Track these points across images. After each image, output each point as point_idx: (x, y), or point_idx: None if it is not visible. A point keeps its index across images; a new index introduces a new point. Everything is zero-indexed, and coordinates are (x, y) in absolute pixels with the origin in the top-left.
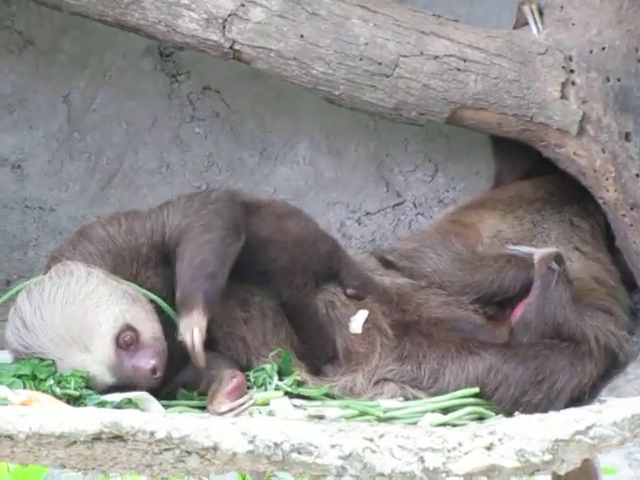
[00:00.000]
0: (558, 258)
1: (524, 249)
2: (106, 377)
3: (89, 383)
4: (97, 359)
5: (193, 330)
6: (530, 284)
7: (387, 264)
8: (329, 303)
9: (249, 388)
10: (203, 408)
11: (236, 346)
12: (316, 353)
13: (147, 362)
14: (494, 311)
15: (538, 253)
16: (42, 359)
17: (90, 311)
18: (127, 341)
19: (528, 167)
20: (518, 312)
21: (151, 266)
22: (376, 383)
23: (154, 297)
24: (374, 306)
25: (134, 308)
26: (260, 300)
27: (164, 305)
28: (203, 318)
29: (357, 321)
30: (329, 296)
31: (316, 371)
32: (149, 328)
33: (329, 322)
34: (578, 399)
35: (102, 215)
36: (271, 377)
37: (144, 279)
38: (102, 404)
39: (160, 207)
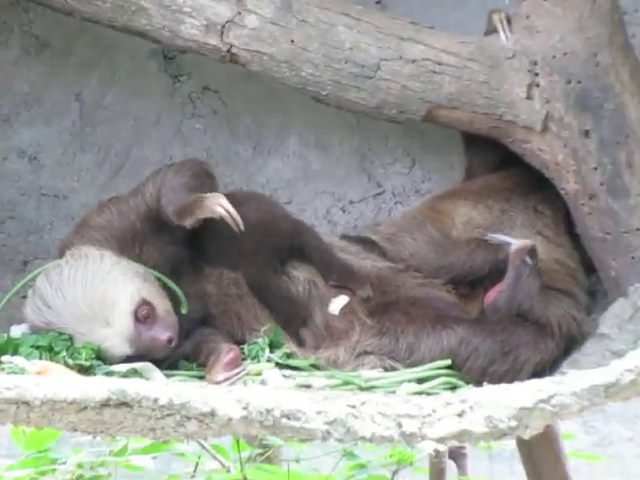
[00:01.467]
0: (532, 252)
1: (502, 238)
2: (124, 348)
3: (99, 354)
4: (117, 332)
5: (220, 202)
6: (498, 266)
7: (370, 245)
8: (312, 282)
9: (243, 360)
10: (201, 378)
11: (232, 322)
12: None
13: (163, 333)
14: (466, 290)
15: (515, 245)
16: (60, 333)
17: (109, 290)
18: (144, 315)
19: (497, 161)
20: (490, 296)
21: (149, 241)
22: (358, 356)
23: (159, 275)
24: (354, 295)
25: (146, 285)
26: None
27: (168, 281)
28: (221, 197)
29: (336, 304)
30: (312, 275)
31: (301, 342)
32: (162, 303)
33: (310, 298)
34: (540, 373)
35: (91, 208)
36: (263, 350)
37: (147, 257)
38: (110, 374)
39: (143, 182)
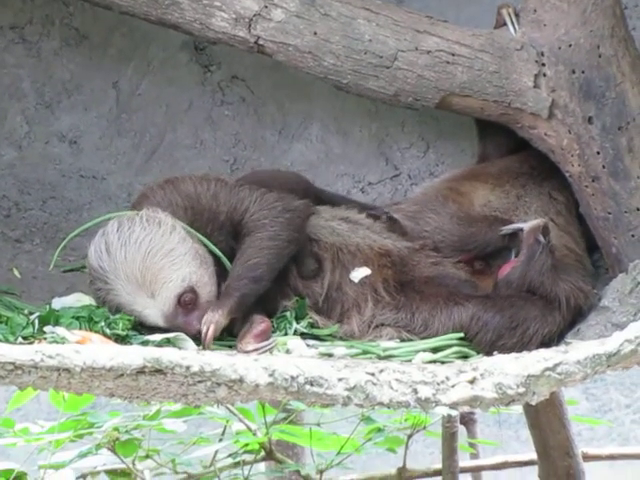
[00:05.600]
0: (545, 229)
1: (514, 226)
2: (159, 322)
3: (135, 325)
4: (158, 307)
5: (210, 326)
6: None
7: (391, 224)
8: (338, 249)
9: (273, 332)
10: (231, 347)
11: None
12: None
13: (197, 323)
14: (482, 266)
15: (527, 225)
16: (98, 307)
17: (166, 267)
18: (187, 301)
19: (511, 146)
20: (504, 271)
21: (224, 233)
22: (375, 327)
23: (222, 256)
24: (377, 271)
25: (200, 270)
26: None
27: (227, 264)
28: (225, 318)
29: (358, 272)
30: (339, 242)
31: (320, 310)
32: (207, 292)
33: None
34: (547, 344)
35: (194, 174)
36: (290, 323)
37: (216, 241)
38: (145, 343)
39: (250, 190)
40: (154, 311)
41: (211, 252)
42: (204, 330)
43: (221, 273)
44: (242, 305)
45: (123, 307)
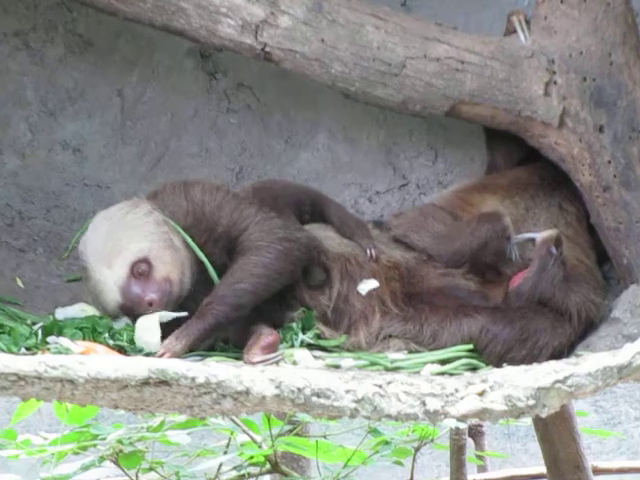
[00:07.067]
0: (557, 240)
1: (526, 235)
2: (115, 295)
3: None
4: (113, 277)
5: (166, 354)
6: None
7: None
8: (346, 260)
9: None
10: (237, 359)
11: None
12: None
13: (147, 294)
14: (493, 277)
15: (540, 235)
16: (101, 317)
17: (125, 237)
18: (140, 272)
19: (521, 156)
20: (515, 282)
21: (219, 246)
22: (383, 339)
23: (209, 267)
24: (385, 283)
25: (164, 252)
26: None
27: (215, 277)
28: (183, 349)
29: (365, 285)
30: (347, 253)
31: (327, 321)
32: (166, 270)
33: (344, 274)
34: (558, 356)
35: (206, 180)
36: (297, 334)
37: (209, 253)
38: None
39: (257, 210)
40: (111, 283)
41: (200, 262)
42: (159, 354)
43: (206, 284)
44: (211, 334)
45: (96, 294)
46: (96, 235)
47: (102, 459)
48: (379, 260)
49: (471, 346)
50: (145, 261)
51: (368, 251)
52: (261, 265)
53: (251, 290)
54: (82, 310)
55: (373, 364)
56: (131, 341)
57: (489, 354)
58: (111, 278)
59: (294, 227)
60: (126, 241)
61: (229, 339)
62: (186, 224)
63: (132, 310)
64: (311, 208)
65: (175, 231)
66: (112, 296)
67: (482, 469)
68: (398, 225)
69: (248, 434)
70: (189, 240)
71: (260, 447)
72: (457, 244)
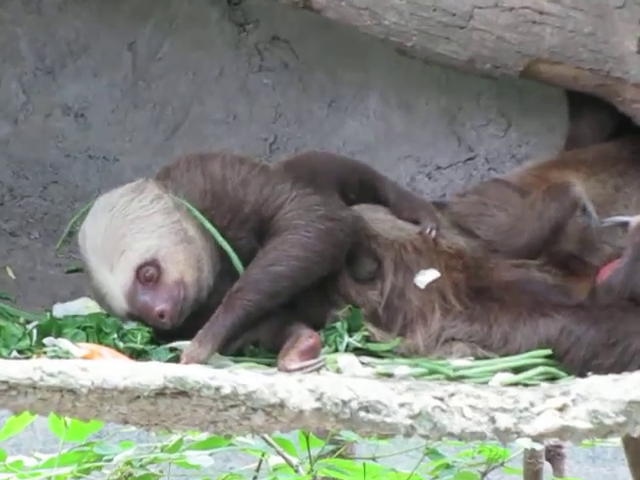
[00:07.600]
0: None
1: (618, 219)
2: (122, 303)
3: (155, 337)
4: (117, 282)
5: (189, 362)
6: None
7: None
8: (403, 246)
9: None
10: (270, 365)
11: (311, 302)
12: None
13: (157, 304)
14: (575, 267)
15: (635, 219)
16: (108, 315)
17: (129, 234)
18: (147, 276)
19: (612, 127)
20: (604, 274)
21: (246, 228)
22: (445, 342)
23: (232, 254)
24: (446, 274)
25: (175, 248)
26: None
27: (236, 262)
28: (209, 355)
29: (424, 276)
30: (403, 238)
31: (378, 321)
32: (178, 271)
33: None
34: None
35: (227, 152)
36: (342, 336)
37: (232, 236)
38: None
39: (293, 185)
40: (114, 289)
41: (222, 249)
42: (183, 361)
43: (230, 274)
44: (242, 330)
45: (99, 297)
46: (95, 229)
47: None
48: (438, 244)
49: (549, 351)
50: (153, 264)
51: (428, 230)
52: (299, 245)
53: (288, 274)
54: (85, 306)
55: (432, 372)
56: (145, 343)
57: (571, 361)
58: (115, 284)
59: (337, 205)
60: (130, 239)
61: (260, 341)
62: (204, 205)
63: (142, 319)
64: (359, 186)
65: (190, 217)
66: (117, 303)
67: None
68: (458, 212)
69: (282, 456)
70: (208, 225)
71: (297, 471)
72: (525, 237)
